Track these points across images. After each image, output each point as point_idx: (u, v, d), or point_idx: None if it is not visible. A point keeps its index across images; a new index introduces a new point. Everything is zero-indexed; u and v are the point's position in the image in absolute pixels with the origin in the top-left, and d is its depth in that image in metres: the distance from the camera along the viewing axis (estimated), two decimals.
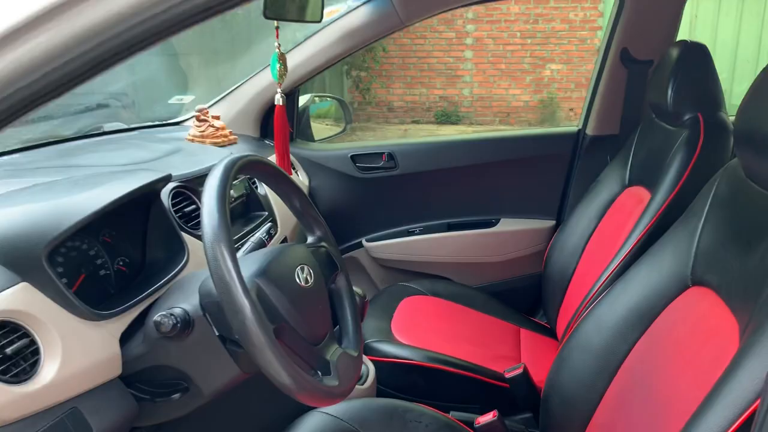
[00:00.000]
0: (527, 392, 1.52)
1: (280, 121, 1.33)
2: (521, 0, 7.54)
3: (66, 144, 1.62)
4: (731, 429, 0.73)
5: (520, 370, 1.53)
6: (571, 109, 7.76)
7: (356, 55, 6.44)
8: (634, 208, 1.59)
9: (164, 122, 1.97)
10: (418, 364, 1.55)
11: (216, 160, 1.33)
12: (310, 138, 2.16)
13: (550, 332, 1.85)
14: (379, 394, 1.55)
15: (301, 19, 1.30)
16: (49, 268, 0.95)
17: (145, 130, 1.90)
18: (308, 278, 1.05)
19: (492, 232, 2.11)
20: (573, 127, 2.12)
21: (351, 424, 1.26)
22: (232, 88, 1.93)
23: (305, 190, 1.96)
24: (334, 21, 1.83)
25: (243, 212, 1.55)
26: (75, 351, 0.94)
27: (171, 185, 1.29)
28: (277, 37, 1.21)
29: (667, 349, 1.05)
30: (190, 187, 1.35)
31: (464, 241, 2.10)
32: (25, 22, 0.55)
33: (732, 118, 1.18)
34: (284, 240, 1.58)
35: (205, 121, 1.74)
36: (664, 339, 1.07)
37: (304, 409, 1.28)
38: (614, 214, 1.70)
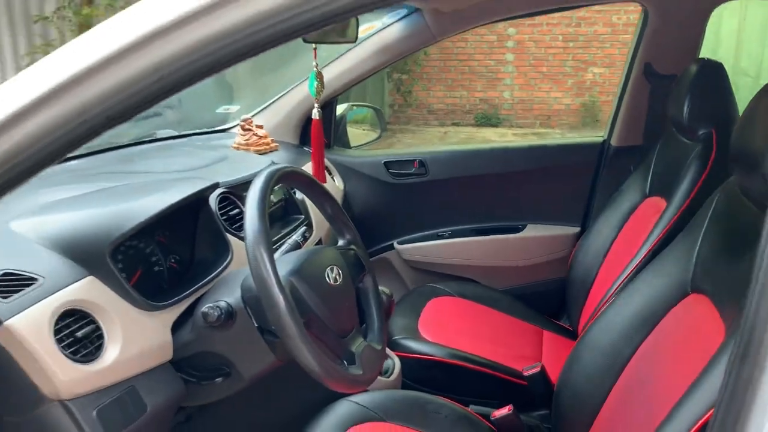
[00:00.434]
0: (544, 390, 1.61)
1: (316, 134, 1.45)
2: None
3: (124, 150, 1.78)
4: None
5: (537, 369, 1.62)
6: None
7: None
8: (652, 217, 1.66)
9: (211, 129, 2.12)
10: (441, 360, 1.66)
11: (258, 168, 1.47)
12: (346, 145, 2.28)
13: (573, 335, 1.93)
14: (404, 387, 1.65)
15: (337, 40, 1.42)
16: (112, 264, 1.09)
17: (194, 137, 2.05)
18: (337, 277, 1.17)
19: (518, 238, 2.20)
20: (599, 137, 2.19)
21: (376, 412, 1.37)
22: (275, 98, 2.07)
23: (341, 194, 2.08)
24: (369, 37, 1.95)
25: (282, 215, 1.68)
26: (133, 337, 1.08)
27: (218, 191, 1.43)
28: (315, 57, 1.34)
29: (667, 353, 1.13)
30: (235, 192, 1.48)
31: (491, 245, 2.20)
32: (145, 37, 0.65)
33: None
34: (319, 241, 1.71)
35: (249, 130, 1.88)
36: (664, 342, 1.15)
37: (334, 398, 1.40)
38: (634, 222, 1.77)
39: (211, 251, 1.34)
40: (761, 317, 0.61)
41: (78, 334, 1.01)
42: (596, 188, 2.15)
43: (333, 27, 1.30)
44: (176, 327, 1.18)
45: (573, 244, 2.11)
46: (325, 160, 2.05)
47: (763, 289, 0.61)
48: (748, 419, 0.62)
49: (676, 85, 1.66)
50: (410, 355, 1.69)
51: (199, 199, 1.33)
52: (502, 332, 1.87)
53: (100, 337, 1.04)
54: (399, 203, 2.22)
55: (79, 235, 1.11)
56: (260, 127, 1.92)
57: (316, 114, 1.41)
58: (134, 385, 1.08)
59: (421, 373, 1.67)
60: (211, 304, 1.14)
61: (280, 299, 0.99)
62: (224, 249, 1.33)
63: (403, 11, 1.94)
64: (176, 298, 1.19)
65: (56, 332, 0.97)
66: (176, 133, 2.04)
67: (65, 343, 0.98)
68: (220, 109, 3.00)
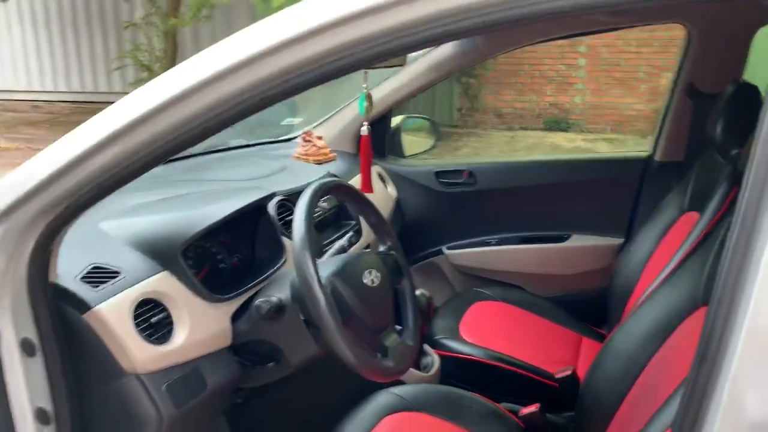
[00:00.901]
0: (573, 392, 1.70)
1: (365, 149, 1.60)
2: None
3: (197, 159, 2.00)
4: None
5: (569, 372, 1.71)
6: None
7: None
8: (687, 232, 1.72)
9: (276, 139, 2.31)
10: (477, 360, 1.77)
11: (313, 178, 1.64)
12: (400, 154, 2.42)
13: None
14: (442, 383, 1.78)
15: (387, 65, 1.56)
16: (183, 261, 1.28)
17: (261, 146, 2.26)
18: (374, 280, 1.31)
19: (563, 247, 2.28)
20: (643, 152, 2.24)
21: (412, 403, 1.51)
22: (334, 111, 2.25)
23: (393, 201, 2.23)
24: (422, 56, 2.08)
25: (334, 221, 1.84)
26: (198, 324, 1.26)
27: (276, 199, 1.60)
28: (365, 81, 1.49)
29: (676, 362, 1.21)
30: (291, 200, 1.65)
31: (536, 253, 2.29)
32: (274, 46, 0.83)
33: None
34: (368, 246, 1.86)
35: (310, 141, 2.05)
36: (675, 353, 1.23)
37: (375, 388, 1.54)
38: (672, 236, 1.83)
39: (268, 252, 1.51)
40: (720, 317, 0.71)
41: (152, 320, 1.20)
42: (639, 202, 2.20)
43: None
44: (235, 317, 1.36)
45: (615, 256, 2.18)
46: (380, 169, 2.21)
47: (722, 291, 0.72)
48: (705, 420, 0.72)
49: (713, 105, 1.72)
50: (449, 353, 1.81)
51: (258, 206, 1.51)
52: (541, 337, 1.96)
53: (171, 323, 1.23)
54: (448, 211, 2.34)
55: (155, 235, 1.31)
56: (320, 138, 2.09)
57: (365, 131, 1.56)
58: (198, 366, 1.26)
59: (459, 371, 1.79)
60: (264, 299, 1.31)
61: (320, 297, 1.15)
62: (279, 251, 1.51)
63: None
64: (236, 293, 1.37)
65: (135, 317, 1.17)
66: (246, 143, 2.25)
67: (141, 327, 1.17)
68: (285, 121, 3.24)
